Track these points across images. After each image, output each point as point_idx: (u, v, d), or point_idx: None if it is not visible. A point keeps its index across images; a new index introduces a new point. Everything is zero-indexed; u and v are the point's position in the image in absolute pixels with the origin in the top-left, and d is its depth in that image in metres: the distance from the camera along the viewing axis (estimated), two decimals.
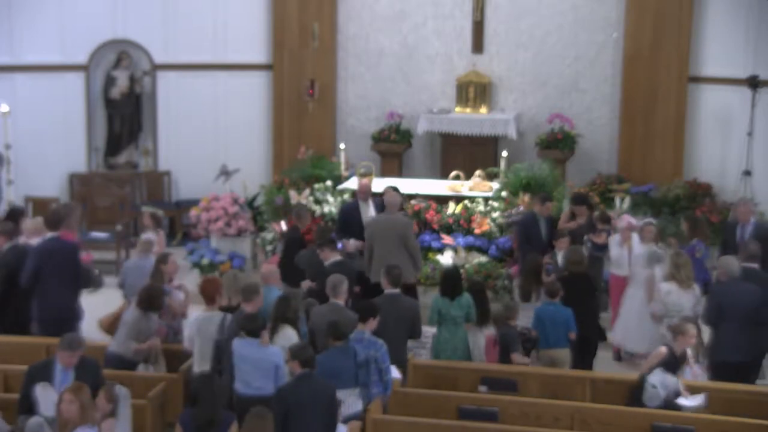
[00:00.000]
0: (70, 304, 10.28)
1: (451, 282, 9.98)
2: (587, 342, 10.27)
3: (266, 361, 8.33)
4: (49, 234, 10.37)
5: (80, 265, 10.43)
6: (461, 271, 11.57)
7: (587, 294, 10.20)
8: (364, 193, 12.18)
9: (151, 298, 9.42)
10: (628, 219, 11.74)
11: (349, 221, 11.88)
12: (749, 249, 10.15)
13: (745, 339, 9.40)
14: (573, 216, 11.86)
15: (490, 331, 10.00)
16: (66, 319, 10.03)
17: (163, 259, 10.27)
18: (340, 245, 11.02)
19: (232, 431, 7.56)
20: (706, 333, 10.08)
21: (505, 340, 9.64)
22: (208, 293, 9.26)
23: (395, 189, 12.07)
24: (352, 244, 11.49)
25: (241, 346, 8.44)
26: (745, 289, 9.58)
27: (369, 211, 12.01)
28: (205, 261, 13.25)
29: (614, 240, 11.47)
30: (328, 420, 7.80)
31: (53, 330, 9.68)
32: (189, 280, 12.20)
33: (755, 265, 10.01)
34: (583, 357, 10.25)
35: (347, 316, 8.96)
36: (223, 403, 7.79)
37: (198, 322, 9.12)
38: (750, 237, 10.93)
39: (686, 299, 9.91)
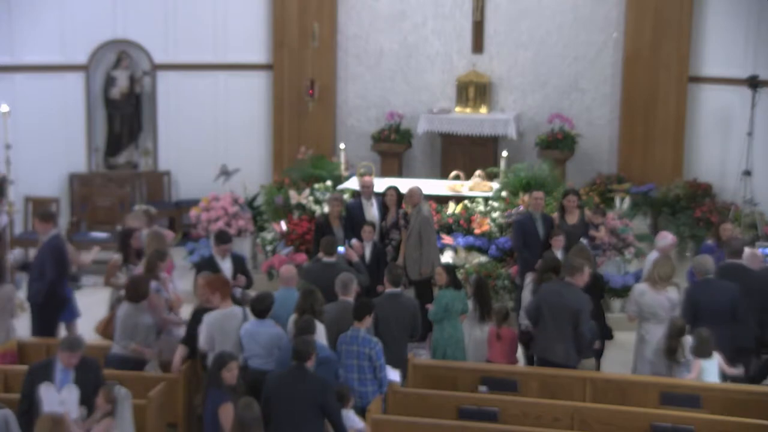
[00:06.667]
0: (60, 290, 10.71)
1: (454, 275, 10.17)
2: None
3: (267, 338, 8.73)
4: (53, 231, 10.63)
5: (66, 254, 10.76)
6: (461, 271, 11.54)
7: (595, 293, 10.16)
8: (367, 189, 12.18)
9: (136, 286, 9.35)
10: (669, 236, 11.11)
11: (353, 219, 11.88)
12: (733, 245, 10.27)
13: (723, 337, 9.31)
14: (563, 212, 11.74)
15: (491, 325, 10.00)
16: (54, 305, 10.64)
17: (160, 256, 10.16)
18: (342, 250, 10.96)
19: (224, 409, 7.55)
20: None
21: None
22: (220, 290, 9.11)
23: (395, 188, 12.07)
24: (356, 245, 11.44)
25: (249, 325, 8.85)
26: (721, 287, 9.59)
27: (372, 209, 12.03)
28: None
29: (650, 259, 10.84)
30: (318, 411, 7.78)
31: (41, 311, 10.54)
32: (189, 280, 12.17)
33: (740, 261, 10.10)
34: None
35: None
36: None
37: (218, 321, 8.92)
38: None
39: (660, 301, 9.71)
